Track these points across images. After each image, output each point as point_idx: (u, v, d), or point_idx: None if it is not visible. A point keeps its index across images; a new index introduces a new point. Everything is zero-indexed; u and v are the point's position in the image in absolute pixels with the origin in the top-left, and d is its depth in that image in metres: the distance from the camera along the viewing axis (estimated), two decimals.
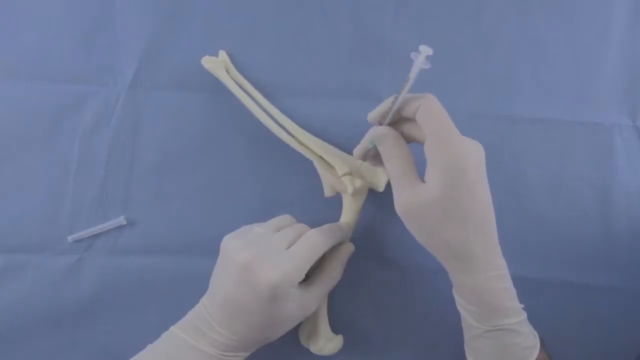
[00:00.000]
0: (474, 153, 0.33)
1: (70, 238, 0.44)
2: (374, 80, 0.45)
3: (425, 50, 0.33)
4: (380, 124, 0.36)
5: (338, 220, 0.43)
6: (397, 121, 0.36)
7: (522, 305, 0.36)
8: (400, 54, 0.45)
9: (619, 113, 0.45)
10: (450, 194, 0.32)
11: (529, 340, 0.35)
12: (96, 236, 0.44)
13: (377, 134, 0.36)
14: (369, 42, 0.45)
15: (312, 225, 0.39)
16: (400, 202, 0.34)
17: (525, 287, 0.43)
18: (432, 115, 0.33)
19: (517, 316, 0.35)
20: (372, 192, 0.43)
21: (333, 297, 0.43)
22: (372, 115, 0.37)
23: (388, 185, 0.42)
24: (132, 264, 0.44)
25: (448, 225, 0.33)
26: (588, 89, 0.45)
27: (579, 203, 0.45)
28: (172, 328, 0.37)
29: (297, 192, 0.44)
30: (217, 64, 0.43)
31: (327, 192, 0.43)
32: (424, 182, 0.33)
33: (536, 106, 0.45)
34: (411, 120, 0.35)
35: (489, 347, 0.35)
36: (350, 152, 0.43)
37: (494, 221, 0.35)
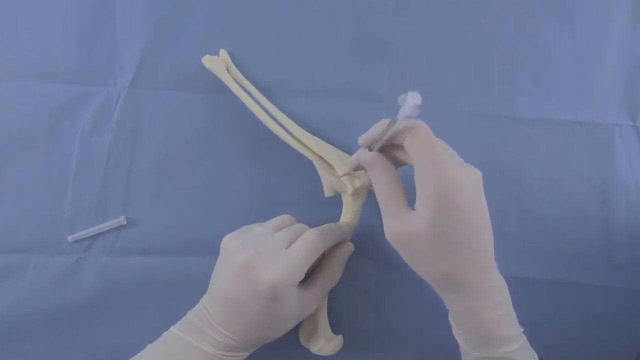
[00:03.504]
0: (465, 182, 0.31)
1: (70, 238, 0.44)
2: (374, 80, 0.45)
3: (414, 98, 0.29)
4: (370, 149, 0.35)
5: (338, 220, 0.43)
6: (388, 145, 0.35)
7: (522, 329, 0.35)
8: (401, 54, 0.45)
9: (619, 113, 0.45)
10: (441, 225, 0.31)
11: None
12: (96, 236, 0.44)
13: (366, 161, 0.35)
14: (369, 42, 0.45)
15: (312, 225, 0.39)
16: (389, 229, 0.33)
17: (525, 287, 0.44)
18: (420, 146, 0.32)
19: (514, 343, 0.34)
20: (372, 192, 0.43)
21: (333, 297, 0.43)
22: (362, 140, 0.36)
23: None
24: (132, 264, 0.44)
25: (439, 255, 0.32)
26: (588, 89, 0.45)
27: (579, 203, 0.45)
28: (172, 328, 0.37)
29: (297, 192, 0.44)
30: (218, 63, 0.43)
31: (327, 192, 0.43)
32: (414, 209, 0.33)
33: (536, 106, 0.45)
34: (400, 146, 0.34)
35: None
36: (350, 152, 0.43)
37: (491, 246, 0.33)
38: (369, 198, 0.43)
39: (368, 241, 0.44)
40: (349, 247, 0.41)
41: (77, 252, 0.44)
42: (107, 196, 0.44)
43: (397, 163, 0.35)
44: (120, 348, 0.41)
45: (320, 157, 0.43)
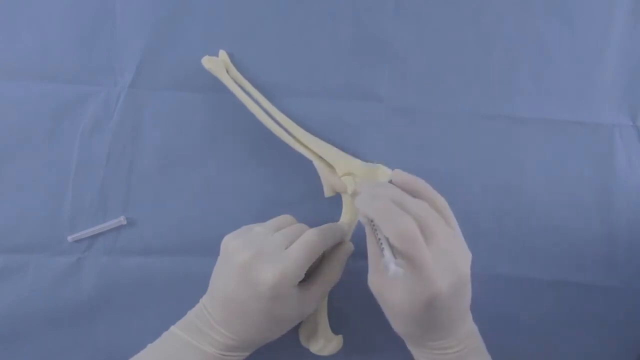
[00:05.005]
0: (448, 281, 0.32)
1: (70, 238, 0.44)
2: (374, 80, 0.45)
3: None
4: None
5: (338, 220, 0.43)
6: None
7: None
8: (401, 54, 0.45)
9: (619, 113, 0.45)
10: (420, 311, 0.32)
11: None
12: (96, 236, 0.44)
13: (362, 215, 0.35)
14: (369, 42, 0.45)
15: (312, 225, 0.39)
16: (369, 279, 0.36)
17: (525, 287, 0.44)
18: (405, 244, 0.31)
19: None
20: None
21: (333, 297, 0.43)
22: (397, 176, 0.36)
23: None
24: (132, 263, 0.44)
25: (414, 322, 0.34)
26: (588, 89, 0.45)
27: (579, 203, 0.45)
28: (172, 328, 0.37)
29: (297, 192, 0.44)
30: (217, 64, 0.43)
31: (327, 192, 0.43)
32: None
33: (536, 106, 0.45)
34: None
35: None
36: (350, 152, 0.43)
37: (463, 318, 0.35)
38: None
39: None
40: (349, 247, 0.41)
41: (77, 252, 0.44)
42: (107, 196, 0.44)
43: None
44: (120, 348, 0.41)
45: (320, 157, 0.43)
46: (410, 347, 0.38)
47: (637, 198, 0.45)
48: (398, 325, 0.36)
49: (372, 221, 0.34)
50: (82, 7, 0.45)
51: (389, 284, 0.34)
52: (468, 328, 0.36)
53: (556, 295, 0.44)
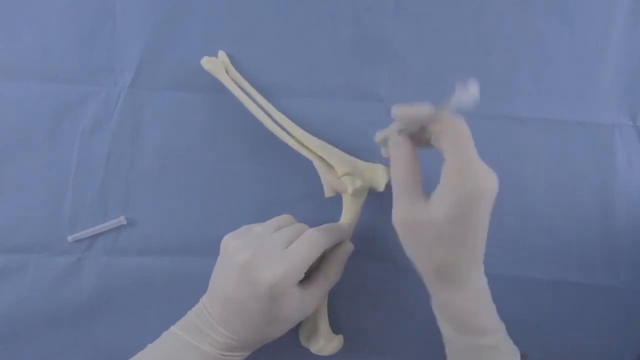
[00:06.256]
0: (490, 187, 0.32)
1: (70, 238, 0.44)
2: (374, 80, 0.45)
3: (474, 88, 0.29)
4: (401, 129, 0.35)
5: (338, 220, 0.43)
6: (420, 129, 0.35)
7: (503, 325, 0.35)
8: (401, 54, 0.45)
9: (619, 113, 0.45)
10: (455, 222, 0.31)
11: (511, 356, 0.35)
12: (96, 236, 0.44)
13: (394, 141, 0.35)
14: (369, 42, 0.45)
15: (312, 225, 0.39)
16: (399, 215, 0.34)
17: (526, 287, 0.44)
18: (459, 141, 0.32)
19: (495, 334, 0.35)
20: (372, 192, 0.43)
21: (333, 297, 0.43)
22: (400, 113, 0.34)
23: (388, 185, 0.42)
24: (132, 263, 0.44)
25: (441, 248, 0.32)
26: (588, 89, 0.45)
27: (579, 203, 0.45)
28: (172, 328, 0.37)
29: (297, 192, 0.44)
30: (217, 65, 0.43)
31: (327, 192, 0.43)
32: (428, 197, 0.33)
33: (536, 106, 0.45)
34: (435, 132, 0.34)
35: None
36: (350, 152, 0.43)
37: (484, 243, 0.34)
38: (369, 198, 0.43)
39: (368, 241, 0.44)
40: (349, 247, 0.41)
41: (77, 252, 0.44)
42: (107, 196, 0.44)
43: (420, 142, 0.35)
44: (120, 348, 0.41)
45: (320, 157, 0.43)
46: (434, 299, 0.36)
47: (637, 198, 0.45)
48: (427, 254, 0.34)
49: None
50: (82, 7, 0.45)
51: (425, 208, 0.32)
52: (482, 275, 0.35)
53: (556, 295, 0.44)
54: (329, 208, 0.44)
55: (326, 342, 0.41)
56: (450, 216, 0.31)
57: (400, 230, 0.34)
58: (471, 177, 0.31)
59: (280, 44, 0.45)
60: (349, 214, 0.42)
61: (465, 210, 0.31)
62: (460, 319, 0.34)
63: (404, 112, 0.34)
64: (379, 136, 0.38)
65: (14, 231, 0.44)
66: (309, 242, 0.36)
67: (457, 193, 0.31)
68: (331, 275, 0.39)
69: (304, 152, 0.43)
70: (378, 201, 0.44)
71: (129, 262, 0.44)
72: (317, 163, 0.43)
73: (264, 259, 0.34)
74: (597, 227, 0.45)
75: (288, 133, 0.43)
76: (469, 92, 0.28)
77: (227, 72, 0.44)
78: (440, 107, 0.31)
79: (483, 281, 0.35)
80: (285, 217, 0.40)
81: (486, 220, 0.33)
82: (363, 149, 0.44)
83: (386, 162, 0.42)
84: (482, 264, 0.34)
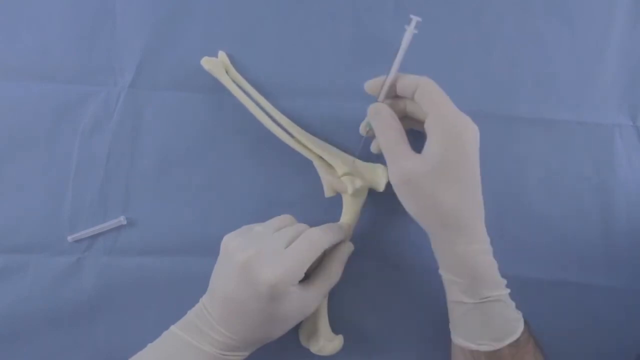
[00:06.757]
0: (473, 127, 0.35)
1: (70, 238, 0.44)
2: None
3: (415, 19, 0.36)
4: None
5: (338, 220, 0.43)
6: (394, 100, 0.39)
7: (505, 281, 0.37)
8: None
9: (619, 113, 0.45)
10: (449, 162, 0.34)
11: (515, 313, 0.36)
12: (96, 236, 0.44)
13: (372, 110, 0.38)
14: (369, 42, 0.45)
15: (312, 225, 0.39)
16: (399, 170, 0.36)
17: (525, 287, 0.44)
18: (431, 93, 0.35)
19: (503, 288, 0.36)
20: (372, 192, 0.43)
21: (333, 297, 0.43)
22: (369, 84, 0.39)
23: (388, 186, 0.42)
24: (132, 263, 0.44)
25: (443, 192, 0.34)
26: (588, 89, 0.45)
27: (579, 203, 0.45)
28: (172, 327, 0.37)
29: (297, 192, 0.44)
30: (217, 65, 0.43)
31: (327, 192, 0.43)
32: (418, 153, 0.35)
33: (536, 106, 0.45)
34: (407, 99, 0.38)
35: (478, 322, 0.36)
36: (350, 152, 0.43)
37: (481, 194, 0.36)
38: (369, 198, 0.43)
39: (368, 241, 0.44)
40: (349, 247, 0.41)
41: (77, 252, 0.44)
42: (107, 196, 0.44)
43: (400, 117, 0.38)
44: (120, 348, 0.41)
45: (320, 157, 0.43)
46: (442, 257, 0.37)
47: (637, 198, 0.45)
48: (430, 203, 0.35)
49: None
50: (82, 7, 0.45)
51: (419, 159, 0.35)
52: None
53: (556, 295, 0.44)
54: (329, 208, 0.44)
55: (326, 342, 0.41)
56: (445, 158, 0.34)
57: (401, 190, 0.36)
58: (455, 118, 0.35)
59: (280, 44, 0.45)
60: (349, 214, 0.42)
61: (458, 149, 0.34)
62: (472, 270, 0.35)
63: (375, 83, 0.39)
64: (362, 126, 0.41)
65: (14, 231, 0.44)
66: (309, 242, 0.36)
67: (447, 135, 0.34)
68: (331, 275, 0.39)
69: (304, 152, 0.43)
70: (378, 201, 0.44)
71: (129, 262, 0.44)
72: (317, 163, 0.43)
73: (264, 259, 0.34)
74: (597, 227, 0.45)
75: (288, 133, 0.43)
76: (410, 27, 0.35)
77: (227, 72, 0.44)
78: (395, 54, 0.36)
79: (487, 237, 0.36)
80: (285, 217, 0.40)
81: (477, 161, 0.35)
82: (363, 149, 0.44)
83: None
84: (483, 220, 0.36)
